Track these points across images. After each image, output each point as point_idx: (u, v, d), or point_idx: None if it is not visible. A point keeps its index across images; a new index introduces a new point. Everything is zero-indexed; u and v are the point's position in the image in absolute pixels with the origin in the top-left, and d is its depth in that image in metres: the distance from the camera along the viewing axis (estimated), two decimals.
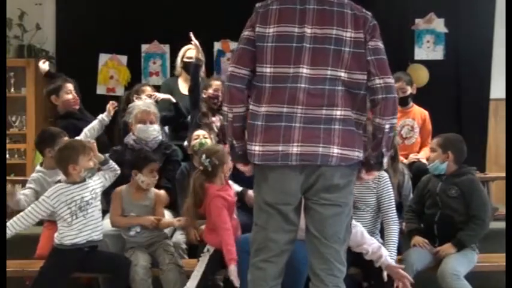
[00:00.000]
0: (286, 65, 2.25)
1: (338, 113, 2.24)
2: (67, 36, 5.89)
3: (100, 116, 3.94)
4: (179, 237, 3.51)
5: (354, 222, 2.73)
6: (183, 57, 4.73)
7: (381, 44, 2.33)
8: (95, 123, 3.90)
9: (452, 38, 5.91)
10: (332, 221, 2.28)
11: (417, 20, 5.95)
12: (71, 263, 3.08)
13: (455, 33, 5.91)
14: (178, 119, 4.32)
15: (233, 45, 5.95)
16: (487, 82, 5.89)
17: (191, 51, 4.63)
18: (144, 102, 3.81)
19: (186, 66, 4.67)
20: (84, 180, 3.12)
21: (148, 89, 4.41)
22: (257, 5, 2.36)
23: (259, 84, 2.30)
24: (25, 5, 5.78)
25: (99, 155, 3.20)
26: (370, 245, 2.99)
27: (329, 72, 2.24)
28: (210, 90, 4.27)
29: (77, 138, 3.62)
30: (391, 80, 2.29)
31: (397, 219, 3.11)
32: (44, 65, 4.58)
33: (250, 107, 2.32)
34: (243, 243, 3.07)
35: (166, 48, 5.95)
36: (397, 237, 3.12)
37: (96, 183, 3.17)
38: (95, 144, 3.24)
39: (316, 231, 2.30)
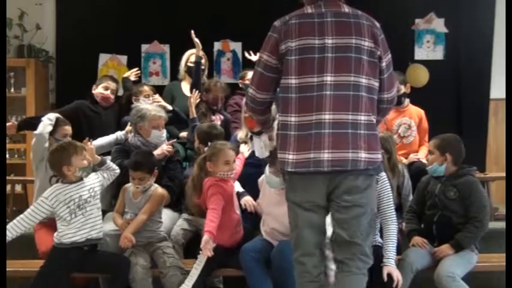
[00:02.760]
0: (310, 75, 2.37)
1: (362, 118, 2.39)
2: (67, 36, 5.90)
3: (118, 134, 3.95)
4: (178, 231, 3.50)
5: None
6: (187, 61, 4.74)
7: (390, 57, 2.52)
8: (111, 140, 3.91)
9: (452, 38, 5.92)
10: (355, 221, 2.43)
11: (417, 20, 5.95)
12: (71, 262, 3.08)
13: (455, 33, 5.92)
14: (177, 123, 4.32)
15: (233, 45, 5.96)
16: (487, 82, 5.90)
17: (195, 55, 4.64)
18: (154, 107, 3.82)
19: (189, 70, 4.69)
20: (81, 179, 3.12)
21: (146, 89, 4.41)
22: (276, 23, 2.50)
23: (285, 95, 2.42)
24: (25, 5, 5.78)
25: (97, 157, 3.21)
26: None
27: (352, 78, 2.38)
28: (211, 96, 4.27)
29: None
30: (394, 92, 2.56)
31: (395, 219, 3.11)
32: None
33: (279, 117, 2.45)
34: (249, 250, 3.10)
35: (166, 48, 5.96)
36: (396, 238, 3.12)
37: (95, 182, 3.17)
38: (92, 146, 3.24)
39: (340, 230, 2.45)
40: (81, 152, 3.11)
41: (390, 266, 2.96)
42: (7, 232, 3.00)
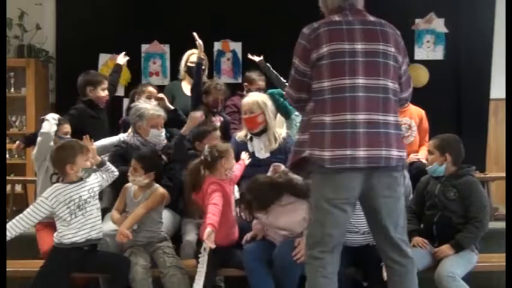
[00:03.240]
0: (342, 77, 2.48)
1: (391, 118, 2.52)
2: (67, 36, 5.90)
3: (121, 136, 3.92)
4: (194, 236, 3.47)
5: None
6: (186, 61, 4.74)
7: (408, 60, 2.71)
8: (113, 141, 3.86)
9: (452, 38, 5.92)
10: (397, 212, 2.56)
11: (417, 20, 5.96)
12: (71, 263, 3.08)
13: (455, 33, 5.92)
14: (177, 124, 4.31)
15: (233, 45, 5.97)
16: (487, 82, 5.90)
17: (195, 55, 4.64)
18: (154, 106, 3.82)
19: (189, 70, 4.69)
20: (81, 179, 3.12)
21: (150, 89, 4.41)
22: (305, 31, 2.60)
23: (319, 97, 2.52)
24: (25, 5, 5.79)
25: (97, 157, 3.21)
26: None
27: (381, 82, 2.51)
28: (211, 98, 4.27)
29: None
30: (411, 91, 2.74)
31: None
32: None
33: (313, 118, 2.53)
34: (251, 250, 3.11)
35: (166, 48, 5.96)
36: None
37: (94, 182, 3.17)
38: (94, 147, 3.24)
39: (384, 224, 2.55)
40: (86, 152, 3.11)
41: None
42: (6, 232, 2.99)
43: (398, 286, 2.59)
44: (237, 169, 3.39)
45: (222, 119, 4.33)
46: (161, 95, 4.35)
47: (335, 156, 2.45)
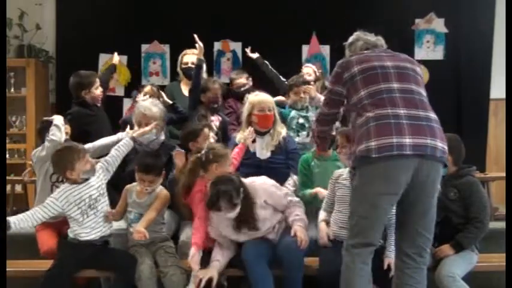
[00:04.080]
0: (377, 84, 2.67)
1: (431, 114, 2.65)
2: (67, 36, 5.91)
3: (120, 135, 3.85)
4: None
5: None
6: (180, 63, 4.75)
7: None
8: (113, 140, 3.74)
9: (452, 38, 5.93)
10: (432, 212, 2.67)
11: (417, 20, 5.96)
12: (84, 258, 3.10)
13: (455, 33, 5.93)
14: (181, 120, 4.30)
15: (233, 45, 5.97)
16: (487, 82, 5.91)
17: (187, 56, 4.66)
18: (146, 104, 3.77)
19: (184, 71, 4.70)
20: (87, 178, 3.13)
21: (147, 89, 4.41)
22: (338, 62, 2.87)
23: (358, 105, 2.68)
24: (25, 5, 5.79)
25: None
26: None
27: (413, 87, 2.70)
28: (210, 94, 4.26)
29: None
30: None
31: None
32: None
33: (357, 122, 2.67)
34: (250, 248, 3.12)
35: (166, 48, 5.97)
36: None
37: (102, 179, 3.19)
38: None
39: (418, 224, 2.65)
40: (84, 156, 3.10)
41: (391, 258, 3.02)
42: (11, 224, 2.95)
43: (407, 279, 2.66)
44: (236, 154, 3.45)
45: (220, 118, 4.32)
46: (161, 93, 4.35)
47: (381, 145, 2.52)
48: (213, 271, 3.04)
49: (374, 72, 2.70)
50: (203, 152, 3.24)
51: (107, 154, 3.51)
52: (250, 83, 4.75)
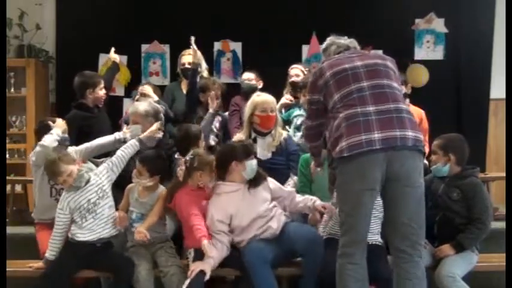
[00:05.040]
0: (348, 86, 2.73)
1: (402, 106, 2.71)
2: (67, 36, 5.90)
3: (117, 134, 3.88)
4: None
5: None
6: (179, 64, 4.76)
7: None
8: (110, 139, 3.76)
9: (452, 38, 5.92)
10: (415, 202, 2.68)
11: (417, 20, 5.95)
12: (81, 257, 3.12)
13: (455, 33, 5.92)
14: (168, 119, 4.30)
15: (233, 45, 5.96)
16: (487, 82, 5.90)
17: (185, 57, 4.67)
18: (138, 102, 3.83)
19: (182, 72, 4.71)
20: (88, 181, 3.14)
21: (140, 88, 4.44)
22: (313, 71, 2.99)
23: (333, 110, 2.75)
24: (25, 5, 5.78)
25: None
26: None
27: (385, 81, 2.75)
28: (209, 94, 4.24)
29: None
30: None
31: None
32: None
33: (333, 127, 2.72)
34: (252, 250, 3.11)
35: (166, 48, 5.96)
36: None
37: (103, 180, 3.20)
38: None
39: (402, 215, 2.67)
40: (57, 177, 3.11)
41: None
42: (50, 253, 3.15)
43: (405, 275, 2.68)
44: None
45: (220, 119, 4.32)
46: (145, 88, 4.39)
47: (351, 143, 2.60)
48: (206, 265, 3.02)
49: (345, 74, 2.76)
50: (187, 157, 3.24)
51: (104, 154, 3.52)
52: (259, 85, 4.74)
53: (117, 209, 3.33)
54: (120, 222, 3.23)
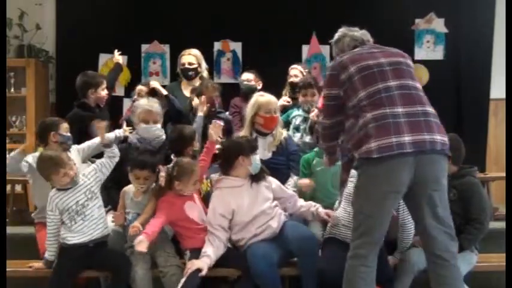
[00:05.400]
0: (375, 84, 2.68)
1: (429, 109, 2.68)
2: (67, 36, 5.90)
3: (117, 132, 3.92)
4: None
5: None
6: (179, 64, 4.75)
7: None
8: (111, 137, 3.81)
9: (452, 38, 5.93)
10: (443, 206, 2.68)
11: (417, 20, 5.96)
12: (76, 260, 3.10)
13: (455, 33, 5.92)
14: (178, 115, 4.29)
15: (233, 45, 5.96)
16: (487, 82, 5.90)
17: (185, 57, 4.66)
18: (148, 101, 3.78)
19: (182, 72, 4.70)
20: (76, 183, 3.12)
21: (139, 87, 4.45)
22: (329, 65, 2.92)
23: (356, 107, 2.69)
24: (25, 5, 5.78)
25: (107, 135, 3.25)
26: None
27: (410, 82, 2.73)
28: (203, 98, 4.20)
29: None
30: None
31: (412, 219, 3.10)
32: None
33: (356, 127, 2.67)
34: (261, 256, 3.10)
35: (166, 48, 5.96)
36: (411, 238, 3.20)
37: (91, 181, 3.17)
38: (104, 124, 3.33)
39: (433, 220, 2.65)
40: (59, 170, 3.07)
41: (395, 258, 3.18)
42: (48, 254, 3.15)
43: (442, 280, 2.66)
44: (204, 157, 3.38)
45: (222, 123, 4.24)
46: (152, 83, 4.38)
47: (381, 145, 2.55)
48: (202, 264, 3.01)
49: (371, 72, 2.71)
50: (171, 164, 3.24)
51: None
52: (258, 86, 4.73)
53: (115, 210, 3.33)
54: (117, 220, 3.22)
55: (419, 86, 2.77)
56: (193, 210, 3.23)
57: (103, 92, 4.17)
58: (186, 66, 4.62)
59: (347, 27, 3.02)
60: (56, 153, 3.18)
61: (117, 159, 3.27)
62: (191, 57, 4.62)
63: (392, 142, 2.54)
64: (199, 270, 3.00)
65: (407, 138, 2.55)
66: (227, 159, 3.25)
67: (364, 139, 2.61)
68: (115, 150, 3.26)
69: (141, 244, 2.97)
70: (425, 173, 2.61)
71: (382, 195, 2.62)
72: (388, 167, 2.57)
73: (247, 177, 3.24)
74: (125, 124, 4.02)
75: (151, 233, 3.04)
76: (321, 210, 3.30)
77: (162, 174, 3.30)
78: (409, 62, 2.84)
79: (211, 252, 3.07)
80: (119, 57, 4.65)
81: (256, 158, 3.25)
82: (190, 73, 4.63)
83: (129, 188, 3.34)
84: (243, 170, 3.22)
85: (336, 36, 3.03)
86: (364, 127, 2.62)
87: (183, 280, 2.97)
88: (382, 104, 2.63)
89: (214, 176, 3.40)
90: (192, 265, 3.01)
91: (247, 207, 3.18)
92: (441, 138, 2.63)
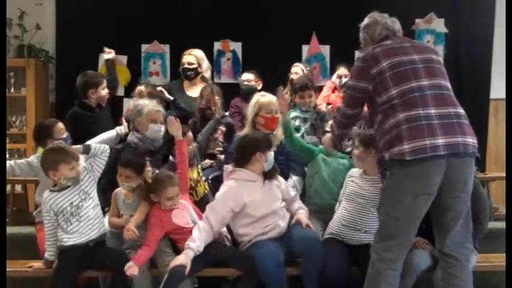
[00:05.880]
0: (408, 82, 2.65)
1: (460, 111, 2.68)
2: (67, 36, 5.90)
3: (118, 129, 3.95)
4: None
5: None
6: (180, 64, 4.76)
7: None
8: (112, 135, 3.89)
9: (452, 38, 5.92)
10: (468, 209, 2.70)
11: (417, 20, 5.96)
12: (76, 261, 3.09)
13: (455, 33, 5.92)
14: (183, 117, 4.28)
15: (233, 45, 5.96)
16: (487, 82, 5.90)
17: (185, 57, 4.68)
18: (152, 102, 3.81)
19: (182, 72, 4.71)
20: (67, 186, 3.10)
21: (139, 88, 4.46)
22: (359, 55, 2.86)
23: (387, 105, 2.66)
24: (25, 5, 5.79)
25: (76, 147, 3.18)
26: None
27: (442, 82, 2.73)
28: (203, 101, 4.20)
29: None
30: None
31: None
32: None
33: (386, 124, 2.64)
34: (270, 256, 3.10)
35: (166, 48, 5.95)
36: None
37: (85, 183, 3.15)
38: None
39: (455, 222, 2.67)
40: (71, 161, 3.07)
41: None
42: (48, 254, 3.15)
43: (453, 280, 2.68)
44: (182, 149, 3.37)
45: (224, 129, 4.20)
46: (159, 88, 4.39)
47: (415, 148, 2.53)
48: (185, 259, 2.98)
49: (403, 69, 2.67)
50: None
51: None
52: (258, 86, 4.73)
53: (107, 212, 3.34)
54: (129, 236, 3.14)
55: (449, 85, 2.75)
56: (180, 217, 3.23)
57: (103, 92, 4.18)
58: (186, 66, 4.64)
59: (378, 12, 2.97)
60: (68, 146, 3.18)
61: (107, 153, 3.24)
62: (191, 57, 4.62)
63: (426, 145, 2.52)
64: (182, 266, 2.97)
65: (441, 141, 2.53)
66: (244, 154, 3.26)
67: (396, 140, 2.58)
68: (98, 150, 3.20)
69: (132, 269, 3.01)
70: (456, 175, 2.60)
71: (412, 198, 2.59)
72: (421, 169, 2.55)
73: (261, 173, 3.26)
74: (125, 122, 4.03)
75: (142, 260, 3.08)
76: (303, 221, 3.31)
77: (149, 169, 3.32)
78: (441, 59, 2.82)
79: (197, 241, 3.02)
80: (107, 56, 4.56)
81: (271, 155, 3.27)
82: (189, 73, 4.64)
83: (120, 190, 3.34)
84: (258, 165, 3.24)
85: (366, 20, 2.96)
86: (396, 128, 2.59)
87: (165, 277, 2.95)
88: (415, 104, 2.60)
89: (228, 167, 3.38)
90: (175, 262, 2.98)
91: (260, 204, 3.19)
92: (472, 140, 2.64)
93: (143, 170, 3.31)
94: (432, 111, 2.58)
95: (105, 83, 4.20)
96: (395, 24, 2.93)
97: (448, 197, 2.64)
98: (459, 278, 2.67)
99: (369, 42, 2.92)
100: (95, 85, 4.14)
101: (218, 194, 3.22)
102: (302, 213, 3.37)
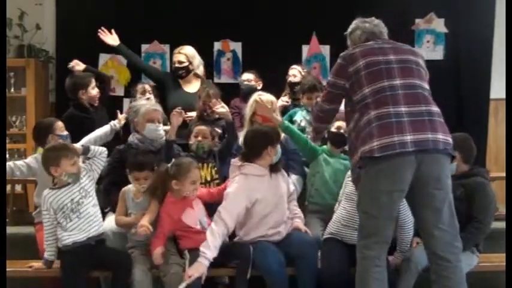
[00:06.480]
0: (381, 81, 2.70)
1: (433, 108, 2.70)
2: (67, 36, 5.90)
3: (112, 123, 3.94)
4: None
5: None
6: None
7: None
8: (106, 130, 3.89)
9: (452, 38, 5.93)
10: (448, 206, 2.68)
11: (417, 20, 5.96)
12: (82, 259, 3.08)
13: (455, 33, 5.92)
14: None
15: (233, 45, 5.96)
16: (487, 82, 5.90)
17: (175, 55, 4.63)
18: (150, 101, 3.81)
19: (174, 71, 4.66)
20: (68, 183, 3.11)
21: (140, 87, 4.47)
22: (341, 54, 2.89)
23: (362, 104, 2.71)
24: (25, 5, 5.79)
25: (76, 146, 3.20)
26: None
27: (417, 81, 2.75)
28: (200, 103, 4.17)
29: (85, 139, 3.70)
30: None
31: (411, 219, 3.10)
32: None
33: (360, 123, 2.70)
34: (272, 255, 3.11)
35: (166, 48, 5.95)
36: (410, 238, 3.19)
37: (84, 181, 3.16)
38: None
39: (436, 220, 2.66)
40: (72, 157, 3.08)
41: (396, 260, 3.17)
42: (48, 254, 3.13)
43: (445, 282, 2.66)
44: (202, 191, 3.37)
45: (220, 131, 4.10)
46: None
47: (383, 144, 2.57)
48: (203, 269, 2.95)
49: (378, 68, 2.72)
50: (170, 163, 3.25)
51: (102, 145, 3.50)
52: (258, 86, 4.73)
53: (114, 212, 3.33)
54: (143, 232, 3.11)
55: (426, 85, 2.78)
56: (190, 217, 3.23)
57: (94, 91, 4.19)
58: (176, 65, 4.60)
59: (361, 18, 3.05)
60: (69, 144, 3.19)
61: (105, 155, 3.26)
62: (181, 55, 4.57)
63: (395, 141, 2.56)
64: (200, 278, 2.96)
65: (409, 137, 2.56)
66: (254, 149, 3.23)
67: (367, 138, 2.63)
68: (96, 151, 3.23)
69: (157, 257, 3.08)
70: (427, 171, 2.61)
71: (387, 195, 2.63)
72: (390, 166, 2.59)
73: (268, 167, 3.26)
74: (119, 113, 4.01)
75: (160, 243, 3.12)
76: (302, 228, 3.34)
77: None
78: (420, 60, 2.86)
79: (213, 249, 2.96)
80: (78, 67, 4.50)
81: (279, 148, 3.29)
82: (180, 72, 4.59)
83: (129, 189, 3.33)
84: (268, 159, 3.24)
85: (350, 28, 3.05)
86: (368, 125, 2.64)
87: (184, 284, 2.92)
88: (387, 102, 2.65)
89: (235, 161, 3.36)
90: (193, 272, 2.93)
91: (270, 198, 3.20)
92: (444, 137, 2.64)
93: (154, 167, 3.31)
94: (403, 109, 2.62)
95: (94, 82, 4.20)
96: (377, 27, 2.99)
97: (423, 194, 2.66)
98: (453, 280, 2.66)
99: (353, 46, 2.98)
100: (85, 85, 4.14)
101: (229, 192, 3.16)
102: (299, 222, 3.37)
